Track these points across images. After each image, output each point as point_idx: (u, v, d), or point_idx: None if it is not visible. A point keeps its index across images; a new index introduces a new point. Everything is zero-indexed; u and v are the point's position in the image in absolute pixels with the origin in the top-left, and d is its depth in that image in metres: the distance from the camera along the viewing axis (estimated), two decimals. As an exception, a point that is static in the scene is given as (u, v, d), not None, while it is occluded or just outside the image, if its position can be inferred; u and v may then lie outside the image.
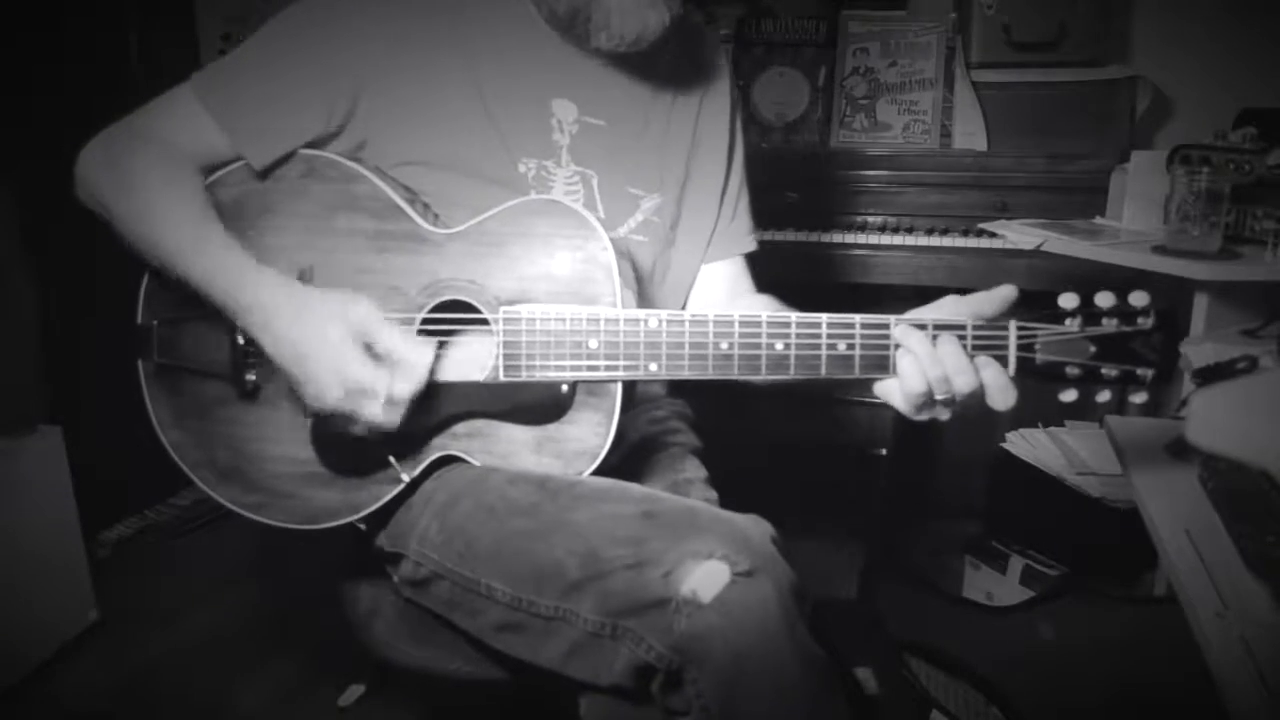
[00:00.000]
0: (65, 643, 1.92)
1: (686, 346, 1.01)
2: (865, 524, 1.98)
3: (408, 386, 1.01)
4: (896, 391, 1.01)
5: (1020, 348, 0.97)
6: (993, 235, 2.09)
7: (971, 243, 2.11)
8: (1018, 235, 2.03)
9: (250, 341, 1.09)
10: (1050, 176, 2.15)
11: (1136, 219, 2.05)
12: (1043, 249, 1.98)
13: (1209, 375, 1.16)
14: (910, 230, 2.15)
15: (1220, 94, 2.20)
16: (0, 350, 2.11)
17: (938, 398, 0.98)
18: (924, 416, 1.02)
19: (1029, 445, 2.14)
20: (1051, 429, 2.18)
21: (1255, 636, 0.86)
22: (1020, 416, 2.26)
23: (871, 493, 1.94)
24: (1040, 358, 0.97)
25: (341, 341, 1.00)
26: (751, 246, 1.35)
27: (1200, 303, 1.85)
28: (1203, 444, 1.04)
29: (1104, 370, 0.97)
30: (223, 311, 1.06)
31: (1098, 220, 2.12)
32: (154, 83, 1.14)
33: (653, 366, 1.02)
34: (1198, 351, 1.35)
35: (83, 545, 1.96)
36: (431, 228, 1.09)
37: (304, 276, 1.08)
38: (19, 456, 1.83)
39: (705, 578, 0.90)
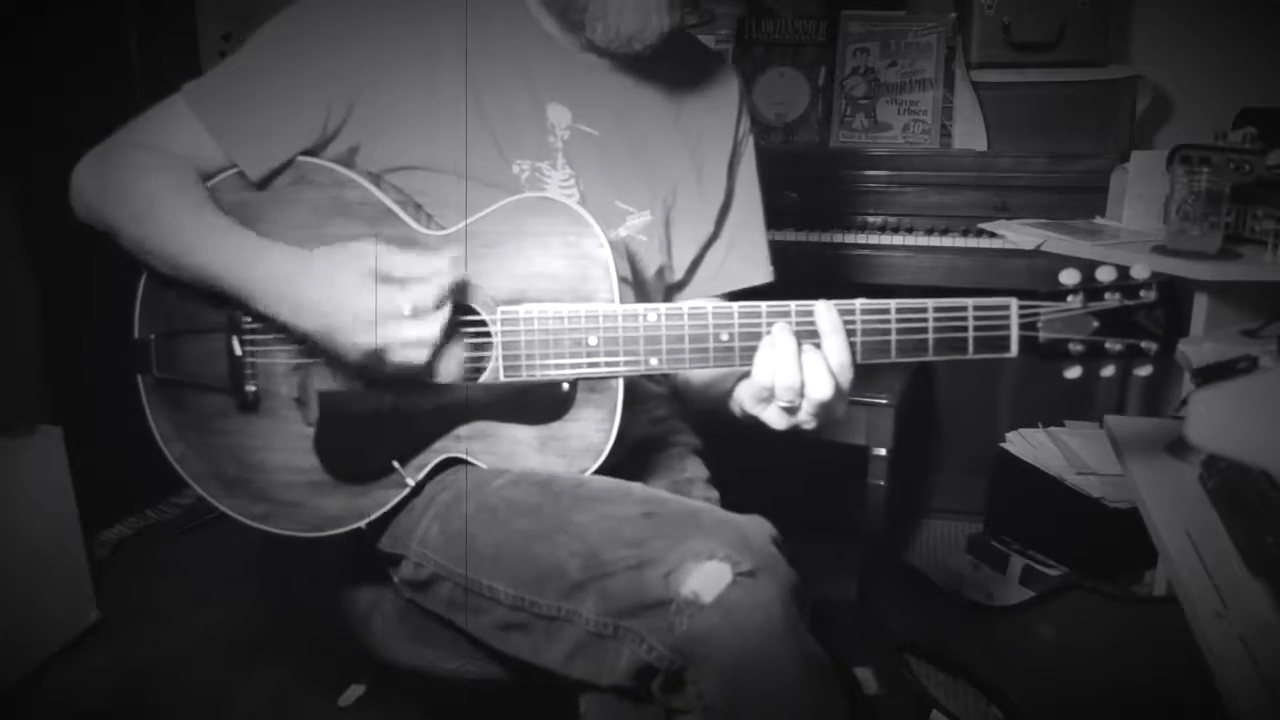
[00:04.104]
0: (65, 643, 1.92)
1: (687, 339, 1.01)
2: (865, 524, 1.97)
3: (431, 292, 1.00)
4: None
5: (1022, 326, 0.98)
6: (993, 235, 2.09)
7: (971, 243, 2.11)
8: (1018, 235, 2.03)
9: (248, 353, 1.09)
10: (1050, 176, 2.15)
11: (1136, 219, 2.04)
12: (1043, 249, 1.98)
13: (1209, 375, 1.16)
14: (910, 230, 2.15)
15: (1220, 94, 2.19)
16: (0, 350, 2.11)
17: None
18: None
19: (1029, 445, 2.14)
20: (1051, 429, 2.18)
21: (1255, 636, 0.86)
22: (1020, 416, 2.26)
23: (871, 493, 1.94)
24: (1043, 335, 0.97)
25: (360, 283, 0.99)
26: (756, 280, 1.32)
27: (1200, 303, 1.85)
28: (1203, 444, 1.04)
29: (1108, 345, 0.97)
30: (237, 298, 1.05)
31: (1098, 220, 2.11)
32: (154, 83, 1.13)
33: (653, 360, 1.02)
34: (1198, 351, 1.35)
35: (83, 545, 1.96)
36: (425, 230, 1.09)
37: None
38: (19, 456, 1.83)
39: (707, 579, 0.90)
